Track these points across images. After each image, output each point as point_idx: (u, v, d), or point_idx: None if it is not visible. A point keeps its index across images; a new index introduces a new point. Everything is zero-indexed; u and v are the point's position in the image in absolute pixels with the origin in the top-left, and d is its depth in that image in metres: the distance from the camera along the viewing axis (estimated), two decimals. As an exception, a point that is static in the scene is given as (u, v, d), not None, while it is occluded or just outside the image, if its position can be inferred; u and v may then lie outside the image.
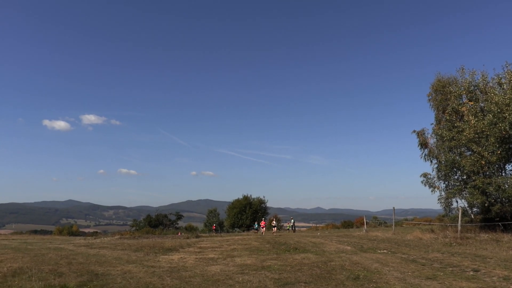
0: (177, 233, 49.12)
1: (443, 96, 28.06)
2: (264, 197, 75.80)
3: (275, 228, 38.27)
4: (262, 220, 40.42)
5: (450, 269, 10.74)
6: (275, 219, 40.28)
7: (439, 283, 8.71)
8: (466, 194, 23.56)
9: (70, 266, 12.21)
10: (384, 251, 15.65)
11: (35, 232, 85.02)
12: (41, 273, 10.80)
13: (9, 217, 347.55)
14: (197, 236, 33.23)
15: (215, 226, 65.88)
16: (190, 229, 72.44)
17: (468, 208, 25.86)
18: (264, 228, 37.96)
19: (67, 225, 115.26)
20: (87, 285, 9.06)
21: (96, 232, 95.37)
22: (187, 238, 29.61)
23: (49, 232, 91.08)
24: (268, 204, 76.47)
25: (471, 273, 10.06)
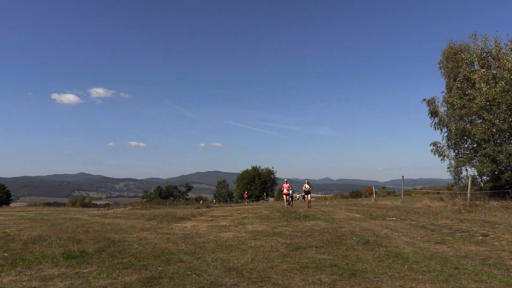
0: (199, 202, 49.89)
1: (454, 63, 27.64)
2: (273, 167, 76.26)
3: (309, 195, 24.88)
4: (285, 182, 27.69)
5: (459, 234, 10.90)
6: (307, 182, 25.17)
7: (448, 247, 8.87)
8: (476, 162, 23.52)
9: (87, 234, 12.57)
10: (393, 218, 15.85)
11: (49, 204, 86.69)
12: (60, 240, 11.16)
13: (23, 190, 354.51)
14: (208, 206, 33.79)
15: (246, 194, 64.45)
16: (199, 200, 73.47)
17: (477, 177, 25.87)
18: (288, 196, 26.76)
19: (79, 197, 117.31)
20: (105, 251, 9.36)
21: (108, 204, 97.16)
22: (198, 208, 30.09)
23: (62, 204, 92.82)
24: (277, 175, 77.05)
25: (480, 237, 10.21)
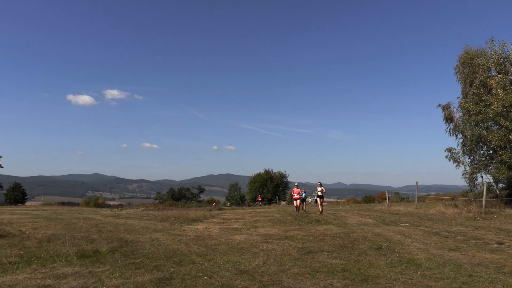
0: (212, 204, 50.37)
1: (470, 69, 27.30)
2: (285, 171, 76.02)
3: (322, 199, 23.34)
4: (295, 186, 25.19)
5: (474, 241, 10.75)
6: (320, 184, 23.56)
7: (462, 254, 8.76)
8: (491, 169, 23.20)
9: (100, 234, 12.71)
10: (407, 224, 15.71)
11: (63, 203, 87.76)
12: (73, 239, 11.30)
13: (38, 189, 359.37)
14: (220, 209, 33.86)
15: (260, 197, 63.55)
16: (211, 202, 73.58)
17: (493, 184, 25.52)
18: (298, 201, 24.50)
19: (93, 198, 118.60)
20: (118, 251, 9.46)
21: (121, 204, 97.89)
22: (210, 210, 30.16)
23: (77, 204, 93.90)
24: (289, 179, 76.76)
25: (495, 245, 10.06)
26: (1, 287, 6.15)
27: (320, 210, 22.84)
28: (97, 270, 7.35)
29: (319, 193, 23.32)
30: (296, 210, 24.19)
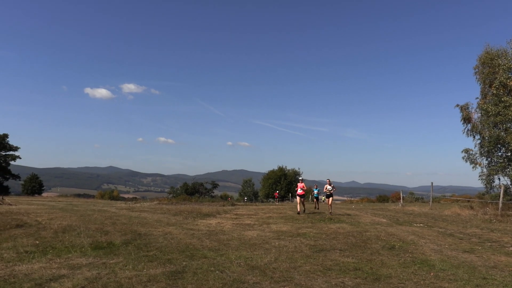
0: (228, 199, 50.60)
1: (490, 69, 26.79)
2: (299, 168, 75.96)
3: (331, 199, 21.35)
4: (300, 180, 21.30)
5: (489, 244, 10.59)
6: (329, 182, 21.19)
7: (477, 256, 8.64)
8: (509, 171, 22.81)
9: (114, 226, 12.87)
10: (421, 224, 15.55)
11: (79, 195, 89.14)
12: (88, 231, 11.47)
13: (55, 180, 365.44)
14: (233, 204, 33.98)
15: (277, 193, 63.00)
16: (225, 198, 73.93)
17: (510, 186, 25.07)
18: (303, 197, 20.94)
19: (108, 190, 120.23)
20: (131, 243, 9.57)
21: (136, 197, 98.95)
22: (223, 205, 30.27)
23: (92, 196, 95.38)
24: (303, 176, 76.69)
25: (511, 248, 9.89)
26: (17, 276, 6.27)
27: (329, 210, 21.15)
28: (111, 261, 7.45)
29: (328, 192, 21.23)
30: (298, 212, 20.41)
